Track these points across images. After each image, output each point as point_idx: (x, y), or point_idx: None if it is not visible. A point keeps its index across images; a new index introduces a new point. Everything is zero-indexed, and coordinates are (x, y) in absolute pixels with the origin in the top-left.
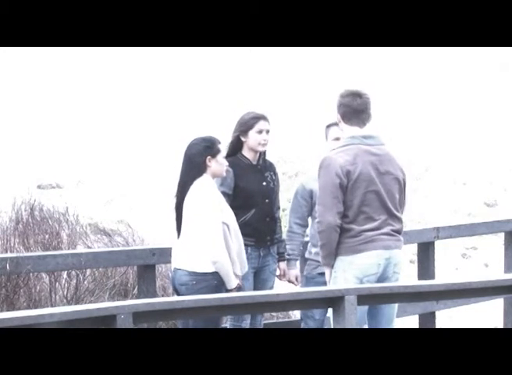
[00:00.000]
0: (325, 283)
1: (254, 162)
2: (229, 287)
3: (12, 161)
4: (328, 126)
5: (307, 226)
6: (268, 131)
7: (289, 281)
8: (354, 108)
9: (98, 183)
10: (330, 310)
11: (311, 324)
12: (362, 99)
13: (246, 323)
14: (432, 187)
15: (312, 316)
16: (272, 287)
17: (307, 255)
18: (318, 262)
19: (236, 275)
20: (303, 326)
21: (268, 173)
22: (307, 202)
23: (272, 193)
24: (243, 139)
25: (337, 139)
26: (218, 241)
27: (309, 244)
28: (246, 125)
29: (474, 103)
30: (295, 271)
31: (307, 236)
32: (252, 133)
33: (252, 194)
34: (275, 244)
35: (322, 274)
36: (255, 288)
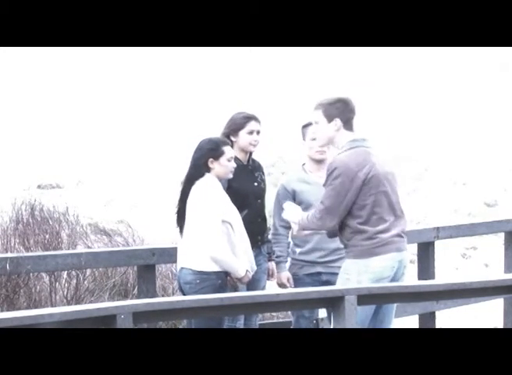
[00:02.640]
0: (311, 284)
1: (245, 163)
2: (238, 276)
3: (12, 161)
4: (306, 126)
5: (290, 227)
6: (258, 132)
7: (281, 284)
8: (355, 114)
9: (98, 183)
10: (324, 310)
11: (302, 323)
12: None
13: (240, 323)
14: (432, 187)
15: (302, 314)
16: (264, 287)
17: (291, 256)
18: (304, 262)
19: (247, 270)
20: (294, 325)
21: (258, 173)
22: None
23: (263, 193)
24: (233, 139)
25: (315, 139)
26: (216, 239)
27: (292, 245)
28: (237, 125)
29: (474, 103)
30: (286, 273)
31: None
32: (243, 134)
33: (246, 195)
34: (265, 243)
35: (308, 275)
36: (248, 289)
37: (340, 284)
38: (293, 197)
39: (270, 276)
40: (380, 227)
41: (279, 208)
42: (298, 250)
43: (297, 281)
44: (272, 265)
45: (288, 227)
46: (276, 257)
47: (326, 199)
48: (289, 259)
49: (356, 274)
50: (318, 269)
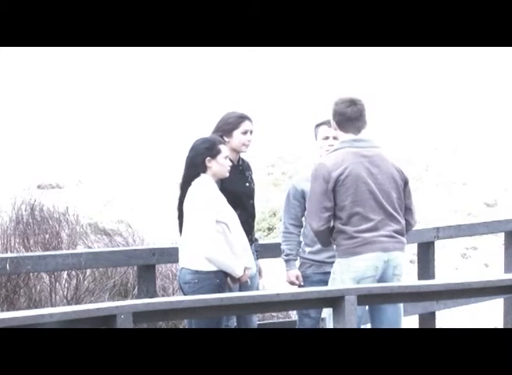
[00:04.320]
0: (319, 283)
1: (236, 163)
2: (236, 276)
3: (12, 161)
4: (318, 126)
5: (301, 226)
6: (251, 132)
7: (291, 282)
8: (349, 116)
9: (98, 183)
10: (326, 310)
11: (307, 322)
12: (357, 107)
13: (232, 322)
14: (432, 187)
15: (308, 313)
16: (258, 285)
17: (301, 255)
18: (312, 261)
19: (246, 268)
20: (298, 325)
21: (248, 173)
22: (299, 203)
23: (254, 193)
24: (226, 139)
25: (326, 138)
26: (210, 239)
27: (302, 244)
28: (231, 124)
29: (474, 103)
30: (295, 271)
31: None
32: (237, 134)
33: (239, 196)
34: (253, 242)
35: (317, 274)
36: (241, 288)
37: (329, 284)
38: (303, 196)
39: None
40: (363, 227)
41: (289, 207)
42: (308, 249)
43: (305, 280)
44: (258, 263)
45: (298, 226)
46: (286, 255)
47: (307, 203)
48: (298, 258)
49: (339, 273)
50: (326, 269)
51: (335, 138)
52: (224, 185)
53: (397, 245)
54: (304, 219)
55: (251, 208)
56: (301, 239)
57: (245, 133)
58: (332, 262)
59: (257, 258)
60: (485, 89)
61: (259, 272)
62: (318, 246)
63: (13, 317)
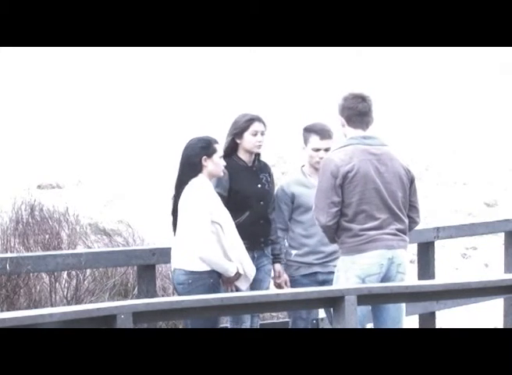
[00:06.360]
0: (308, 284)
1: (250, 164)
2: (228, 276)
3: (12, 161)
4: (308, 131)
5: (288, 229)
6: (263, 133)
7: (278, 285)
8: (359, 111)
9: (98, 183)
10: (323, 311)
11: (300, 324)
12: (366, 102)
13: (246, 325)
14: (432, 187)
15: (300, 315)
16: (267, 288)
17: (286, 258)
18: (299, 263)
19: (240, 274)
20: (291, 326)
21: (263, 175)
22: (287, 206)
23: (266, 195)
24: (238, 141)
25: (317, 150)
26: (204, 239)
27: (287, 246)
28: (240, 127)
29: (474, 103)
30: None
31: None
32: (247, 135)
33: (247, 197)
34: (269, 245)
35: (304, 276)
36: (251, 289)
37: (333, 281)
38: (292, 200)
39: (276, 277)
40: (368, 225)
41: (278, 210)
42: (294, 252)
43: (293, 283)
44: (278, 267)
45: (285, 230)
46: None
47: (315, 197)
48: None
49: (343, 271)
50: (315, 269)
51: (326, 150)
52: (232, 185)
53: (401, 243)
54: (289, 222)
55: (262, 210)
56: (286, 242)
57: (255, 134)
58: (321, 264)
59: (275, 262)
60: (486, 89)
61: (278, 274)
62: (306, 249)
63: (13, 317)
